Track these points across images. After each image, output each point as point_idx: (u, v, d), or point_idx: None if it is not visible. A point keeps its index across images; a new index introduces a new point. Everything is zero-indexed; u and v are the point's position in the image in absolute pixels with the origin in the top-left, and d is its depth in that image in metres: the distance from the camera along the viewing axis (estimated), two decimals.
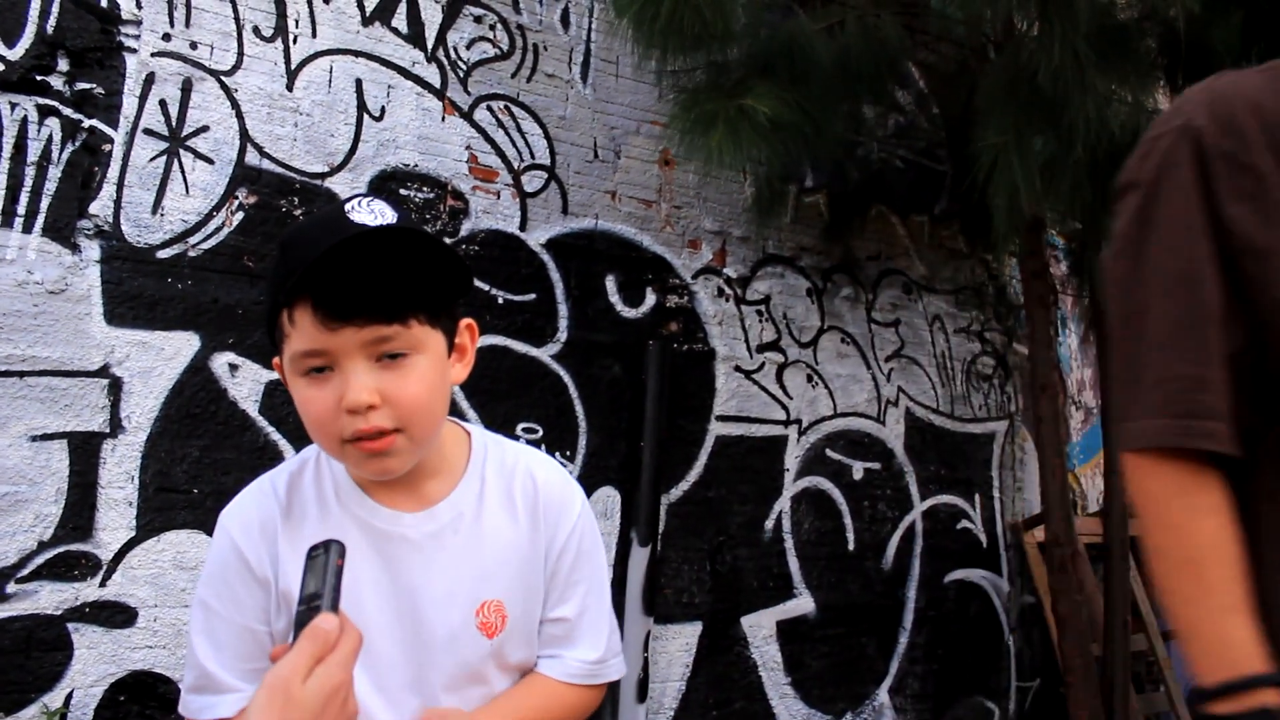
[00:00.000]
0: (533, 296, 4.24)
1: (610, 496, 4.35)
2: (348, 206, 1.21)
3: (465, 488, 1.38)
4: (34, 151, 3.32)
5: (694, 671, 4.56)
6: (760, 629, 4.80)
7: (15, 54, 3.31)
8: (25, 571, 3.21)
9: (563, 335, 4.29)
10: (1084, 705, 4.74)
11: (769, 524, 4.86)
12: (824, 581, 5.03)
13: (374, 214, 1.20)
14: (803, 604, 4.95)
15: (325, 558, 1.07)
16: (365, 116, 3.95)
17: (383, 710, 1.31)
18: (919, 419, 5.53)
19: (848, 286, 5.31)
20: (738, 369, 4.82)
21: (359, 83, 3.95)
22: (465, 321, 1.35)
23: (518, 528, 1.39)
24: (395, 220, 1.21)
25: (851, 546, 5.16)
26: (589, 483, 4.28)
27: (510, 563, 1.37)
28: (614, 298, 4.48)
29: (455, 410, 1.41)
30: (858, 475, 5.22)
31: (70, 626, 3.26)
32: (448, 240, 4.08)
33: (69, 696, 3.24)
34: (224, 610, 1.31)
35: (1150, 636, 5.70)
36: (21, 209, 3.29)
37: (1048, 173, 3.91)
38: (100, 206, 3.42)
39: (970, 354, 5.84)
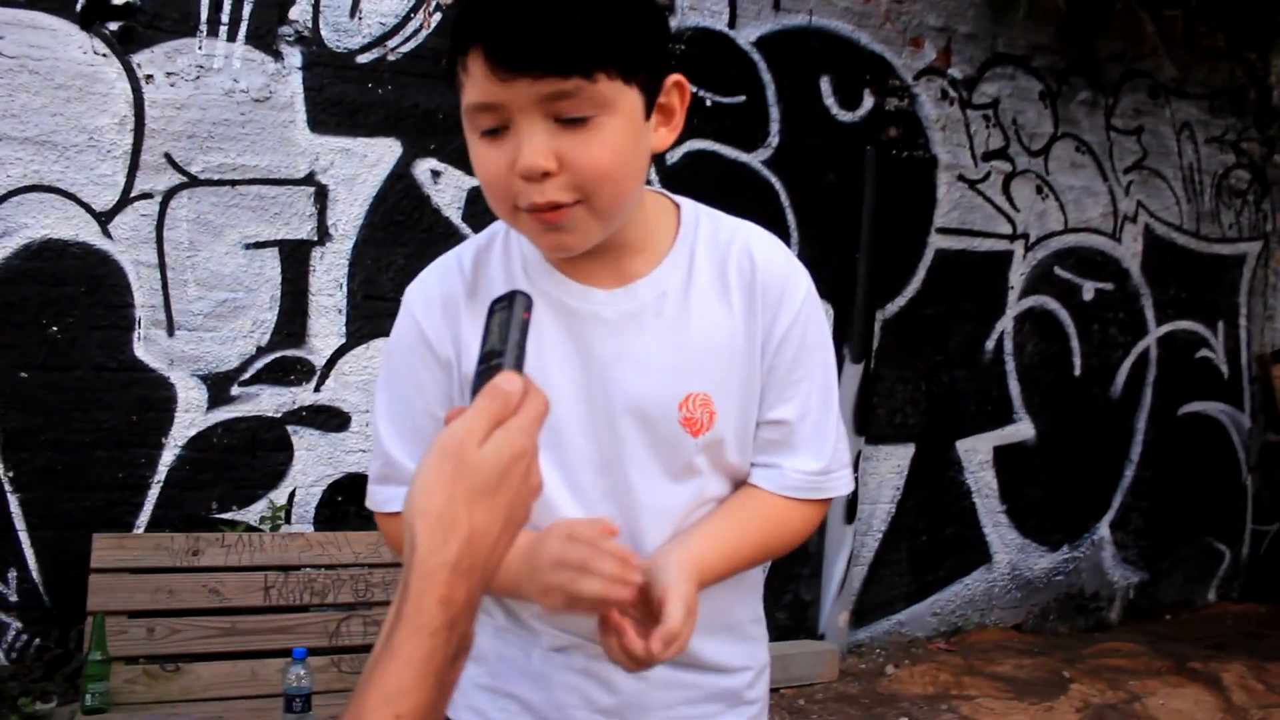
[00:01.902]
0: (742, 99, 4.00)
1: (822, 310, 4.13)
2: None
3: (671, 264, 1.20)
4: None
5: (904, 494, 4.44)
6: (976, 454, 4.61)
7: None
8: (246, 375, 3.31)
9: (774, 140, 4.06)
10: None
11: (989, 344, 4.60)
12: (1046, 407, 4.77)
13: None
14: (1022, 430, 4.72)
15: (509, 311, 0.90)
16: None
17: (570, 503, 1.18)
18: (1159, 237, 5.07)
19: (1085, 89, 4.83)
20: (961, 178, 4.48)
21: None
22: (673, 78, 1.14)
23: (731, 313, 1.20)
24: None
25: (1078, 372, 4.86)
26: None
27: (721, 352, 1.19)
28: (829, 100, 4.19)
29: None
30: (1088, 296, 4.86)
31: (290, 429, 3.35)
32: None
33: (292, 494, 3.36)
34: (407, 394, 1.21)
35: None
36: (225, 17, 3.26)
37: None
38: (299, 11, 3.35)
39: (1222, 166, 5.28)
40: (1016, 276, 4.65)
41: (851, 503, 4.17)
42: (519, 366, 0.87)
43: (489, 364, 0.87)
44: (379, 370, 1.26)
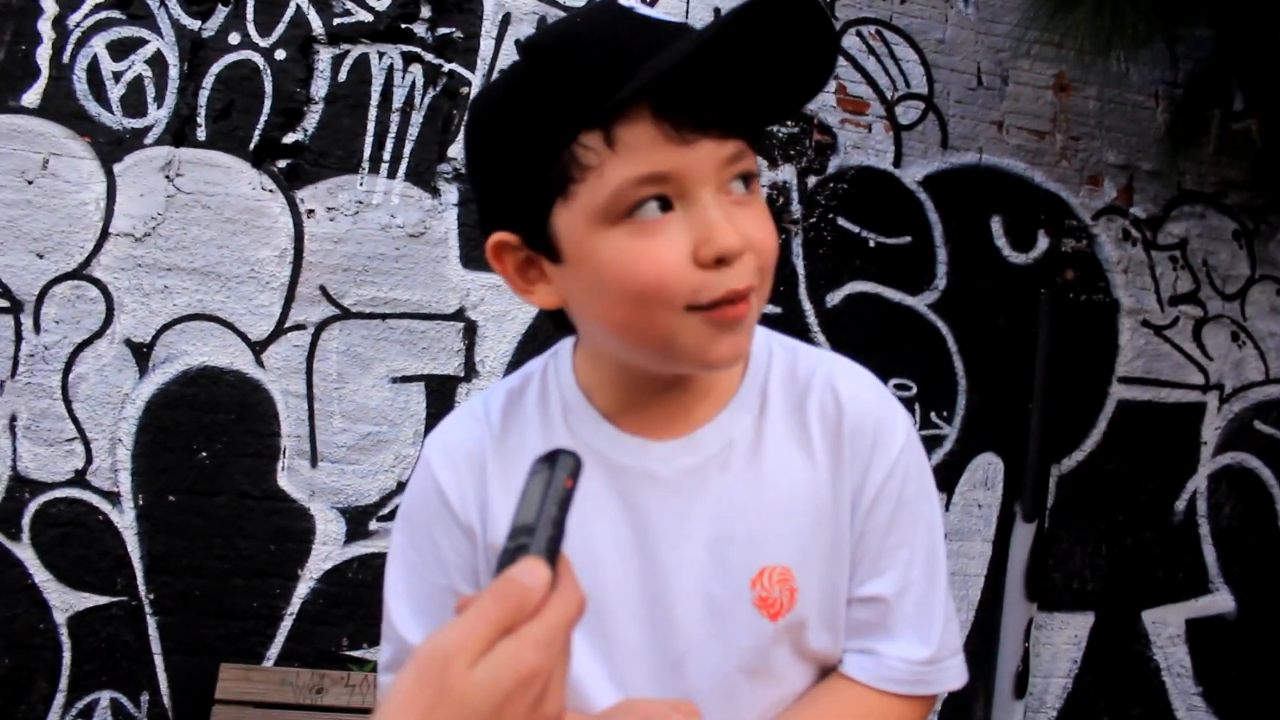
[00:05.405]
0: (908, 240, 3.86)
1: (992, 464, 3.90)
2: None
3: (738, 407, 1.01)
4: (398, 99, 3.40)
5: (1083, 669, 4.05)
6: (1165, 627, 4.18)
7: (382, 4, 3.39)
8: (385, 510, 3.28)
9: (941, 283, 3.88)
10: None
11: (1180, 505, 4.20)
12: (1249, 577, 4.30)
13: None
14: (1220, 601, 4.26)
15: (549, 474, 0.72)
16: None
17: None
18: None
19: None
20: (1146, 324, 4.18)
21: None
22: None
23: (812, 465, 1.01)
24: None
25: None
26: (968, 448, 3.87)
27: (802, 514, 0.99)
28: (1000, 241, 3.99)
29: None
30: None
31: None
32: (813, 178, 3.75)
33: None
34: (424, 566, 1.02)
35: None
36: (387, 155, 3.36)
37: None
38: (458, 149, 3.42)
39: None
40: (1210, 431, 4.26)
41: (1022, 675, 3.80)
42: (552, 551, 0.68)
43: (514, 544, 0.68)
44: (392, 536, 1.09)
